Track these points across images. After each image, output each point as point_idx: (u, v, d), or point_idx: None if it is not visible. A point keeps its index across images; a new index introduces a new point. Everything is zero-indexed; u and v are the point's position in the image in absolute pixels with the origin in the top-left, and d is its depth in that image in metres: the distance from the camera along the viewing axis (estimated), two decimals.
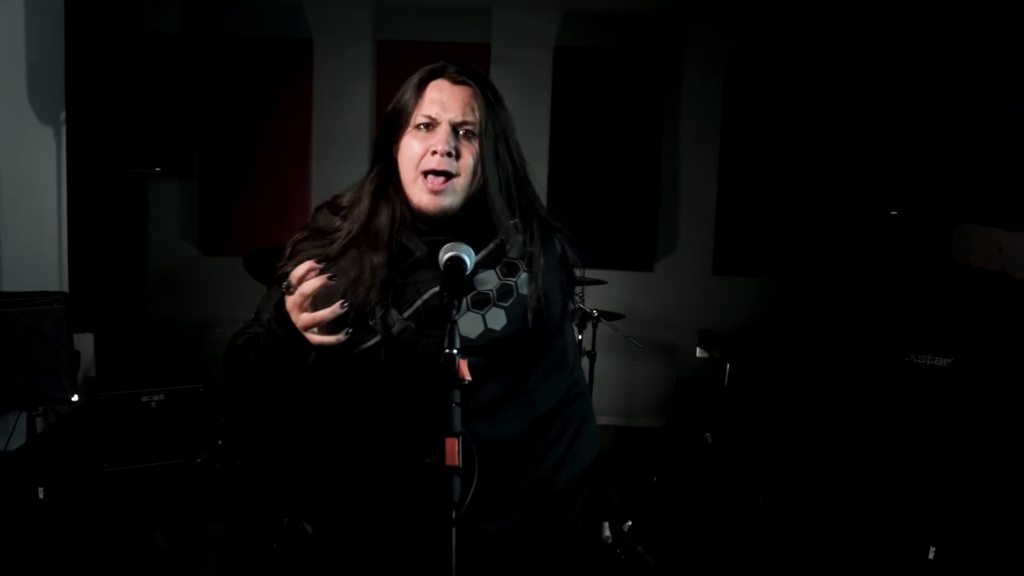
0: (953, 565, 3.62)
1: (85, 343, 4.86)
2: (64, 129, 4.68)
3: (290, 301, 1.42)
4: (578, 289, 4.37)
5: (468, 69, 1.62)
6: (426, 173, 1.55)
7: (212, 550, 3.71)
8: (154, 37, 5.10)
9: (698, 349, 5.64)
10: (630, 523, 1.94)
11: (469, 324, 1.58)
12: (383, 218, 1.60)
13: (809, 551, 3.91)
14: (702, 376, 5.33)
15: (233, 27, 5.50)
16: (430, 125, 1.56)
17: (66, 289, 4.63)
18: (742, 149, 5.57)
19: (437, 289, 1.54)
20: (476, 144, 1.57)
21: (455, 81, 1.59)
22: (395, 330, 1.55)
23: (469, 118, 1.56)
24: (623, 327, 4.76)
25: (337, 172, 5.56)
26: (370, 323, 1.54)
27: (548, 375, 1.74)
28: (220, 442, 4.66)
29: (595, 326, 4.57)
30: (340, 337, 1.44)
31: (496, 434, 1.62)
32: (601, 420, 5.47)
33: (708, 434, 4.81)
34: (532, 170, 1.71)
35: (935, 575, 3.62)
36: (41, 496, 3.54)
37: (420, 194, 1.55)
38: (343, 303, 1.41)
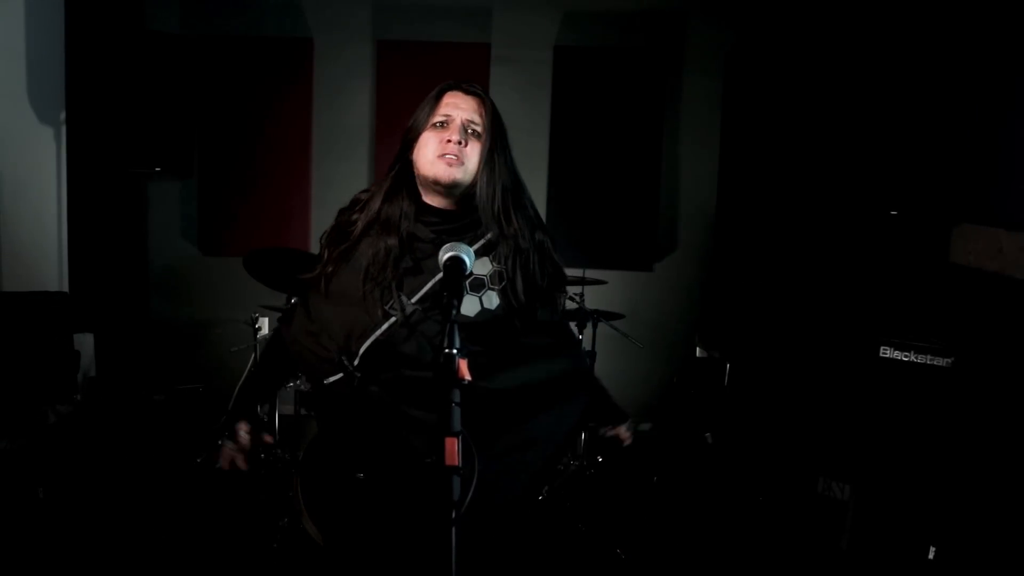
0: (953, 565, 3.62)
1: (85, 343, 4.86)
2: (64, 129, 4.68)
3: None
4: (577, 289, 4.37)
5: (476, 86, 1.94)
6: (443, 155, 1.84)
7: (213, 548, 3.72)
8: (154, 37, 5.10)
9: (698, 348, 5.65)
10: (649, 425, 2.13)
11: (468, 305, 1.85)
12: (395, 208, 1.90)
13: (809, 551, 3.91)
14: (702, 376, 5.34)
15: (233, 27, 5.50)
16: (445, 123, 1.86)
17: (66, 289, 4.63)
18: (742, 149, 5.57)
19: (441, 277, 1.77)
20: (479, 143, 1.88)
21: (467, 92, 1.91)
22: (407, 312, 1.83)
23: (476, 120, 1.88)
24: (623, 327, 4.76)
25: (337, 172, 5.57)
26: (386, 307, 1.83)
27: (549, 345, 1.99)
28: (220, 442, 4.66)
29: (595, 326, 4.57)
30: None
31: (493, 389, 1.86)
32: None
33: (708, 434, 4.81)
34: (523, 178, 1.99)
35: (935, 575, 3.63)
36: (41, 496, 3.54)
37: (438, 168, 1.84)
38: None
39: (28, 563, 3.38)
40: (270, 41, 5.51)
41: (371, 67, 5.60)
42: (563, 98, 5.56)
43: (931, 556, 3.68)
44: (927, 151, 4.75)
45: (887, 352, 3.98)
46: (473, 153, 1.86)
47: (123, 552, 3.63)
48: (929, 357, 3.87)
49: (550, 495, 4.13)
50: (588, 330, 4.57)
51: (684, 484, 4.62)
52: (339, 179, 5.57)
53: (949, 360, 3.82)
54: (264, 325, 4.75)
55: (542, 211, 5.56)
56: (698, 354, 5.65)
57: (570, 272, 4.55)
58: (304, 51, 5.55)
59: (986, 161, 4.27)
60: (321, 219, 5.57)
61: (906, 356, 3.92)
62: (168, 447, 4.45)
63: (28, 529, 3.54)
